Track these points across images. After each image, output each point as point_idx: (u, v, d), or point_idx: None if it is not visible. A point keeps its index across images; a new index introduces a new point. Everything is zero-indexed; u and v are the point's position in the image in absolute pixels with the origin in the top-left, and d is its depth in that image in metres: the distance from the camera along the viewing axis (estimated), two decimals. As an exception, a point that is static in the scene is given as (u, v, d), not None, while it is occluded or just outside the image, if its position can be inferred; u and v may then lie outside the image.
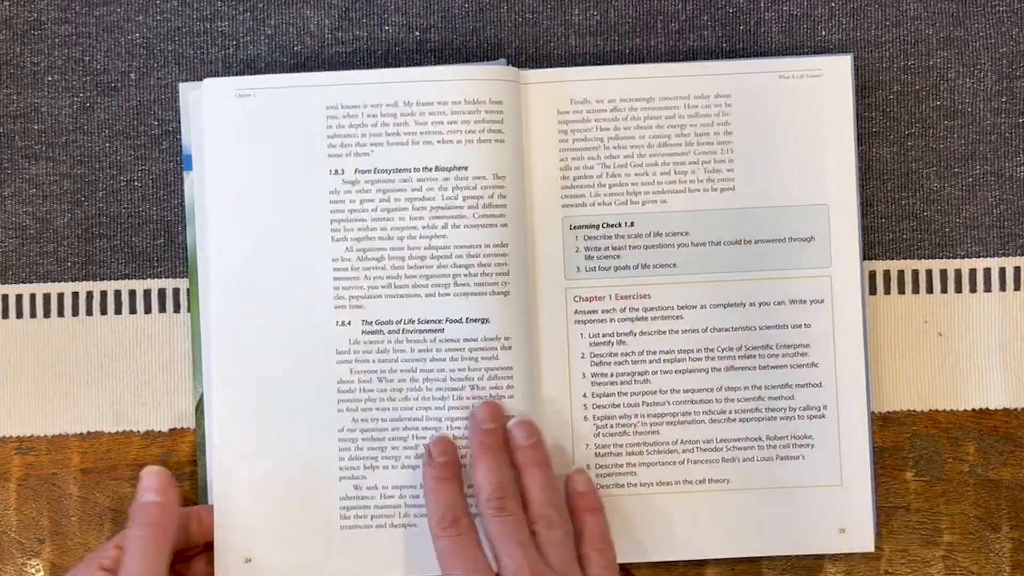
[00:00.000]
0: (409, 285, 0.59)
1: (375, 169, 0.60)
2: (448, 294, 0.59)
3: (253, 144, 0.60)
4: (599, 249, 0.61)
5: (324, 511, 0.59)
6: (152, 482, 0.56)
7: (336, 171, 0.60)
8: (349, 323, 0.60)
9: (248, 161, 0.60)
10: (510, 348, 0.59)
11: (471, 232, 0.59)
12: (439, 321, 0.59)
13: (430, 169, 0.59)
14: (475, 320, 0.59)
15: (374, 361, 0.59)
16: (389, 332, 0.59)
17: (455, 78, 0.59)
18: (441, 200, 0.59)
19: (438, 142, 0.59)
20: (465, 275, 0.59)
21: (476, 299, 0.59)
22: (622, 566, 0.61)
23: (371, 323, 0.59)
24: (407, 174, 0.59)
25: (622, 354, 0.61)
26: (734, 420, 0.60)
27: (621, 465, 0.60)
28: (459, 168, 0.59)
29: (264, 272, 0.60)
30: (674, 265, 0.60)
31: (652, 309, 0.61)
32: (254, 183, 0.60)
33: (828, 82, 0.60)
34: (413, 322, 0.59)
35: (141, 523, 0.55)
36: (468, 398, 0.59)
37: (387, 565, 0.59)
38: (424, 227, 0.59)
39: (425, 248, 0.59)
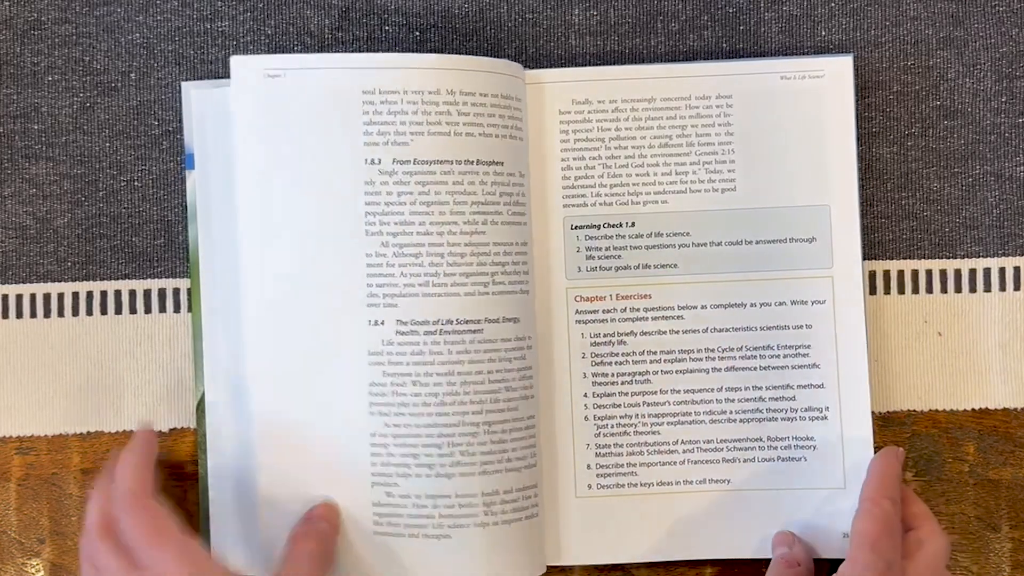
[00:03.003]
0: (448, 283, 0.57)
1: (414, 160, 0.57)
2: (487, 292, 0.57)
3: (282, 128, 0.57)
4: (600, 249, 0.61)
5: (358, 516, 0.58)
6: (325, 513, 0.57)
7: (372, 160, 0.57)
8: (383, 322, 0.57)
9: (276, 146, 0.57)
10: (532, 347, 0.59)
11: (507, 229, 0.58)
12: (478, 321, 0.57)
13: (472, 162, 0.57)
14: (509, 319, 0.58)
15: (408, 363, 0.57)
16: (425, 333, 0.57)
17: (495, 71, 0.58)
18: (481, 195, 0.57)
19: (479, 134, 0.57)
20: (502, 273, 0.57)
21: (509, 298, 0.58)
22: (623, 566, 0.61)
23: (406, 323, 0.57)
24: (449, 166, 0.57)
25: (623, 354, 0.61)
26: (735, 421, 0.60)
27: (621, 465, 0.60)
28: (496, 163, 0.57)
29: (292, 267, 0.58)
30: (675, 265, 0.60)
31: (653, 309, 0.61)
32: (281, 170, 0.57)
33: (829, 83, 0.60)
34: (451, 322, 0.57)
35: (317, 535, 0.56)
36: (503, 400, 0.57)
37: (421, 574, 0.57)
38: (465, 222, 0.57)
39: (465, 244, 0.57)
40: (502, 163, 0.58)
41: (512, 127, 0.58)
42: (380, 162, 0.57)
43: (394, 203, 0.57)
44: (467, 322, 0.57)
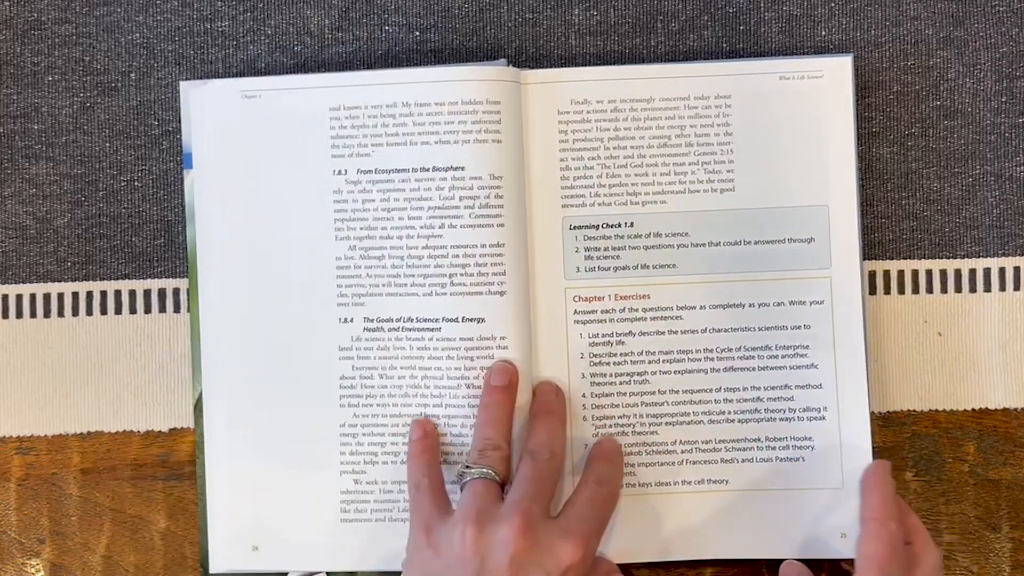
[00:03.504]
0: (408, 284, 0.60)
1: (376, 169, 0.60)
2: (445, 293, 0.59)
3: (258, 145, 0.61)
4: (599, 249, 0.61)
5: (325, 504, 0.60)
6: (612, 450, 0.59)
7: (339, 171, 0.60)
8: (351, 320, 0.60)
9: (253, 161, 0.61)
10: (506, 348, 0.59)
11: (467, 232, 0.59)
12: (436, 320, 0.59)
13: (427, 169, 0.59)
14: (471, 320, 0.59)
15: (375, 358, 0.60)
16: (389, 330, 0.60)
17: (452, 79, 0.59)
18: (438, 200, 0.59)
19: (435, 142, 0.59)
20: (461, 275, 0.59)
21: (472, 299, 0.59)
22: (622, 566, 0.61)
23: (372, 320, 0.60)
24: (406, 174, 0.60)
25: (621, 354, 0.60)
26: (733, 421, 0.60)
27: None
28: (456, 168, 0.59)
29: (269, 270, 0.61)
30: (674, 266, 0.60)
31: (651, 309, 0.61)
32: (259, 183, 0.61)
33: (829, 83, 0.60)
34: (412, 320, 0.60)
35: (609, 471, 0.58)
36: (463, 396, 0.59)
37: (386, 557, 0.60)
38: (422, 227, 0.59)
39: (423, 248, 0.59)
40: (462, 168, 0.59)
41: (479, 131, 0.59)
42: (346, 172, 0.61)
43: (359, 210, 0.60)
44: (425, 320, 0.60)
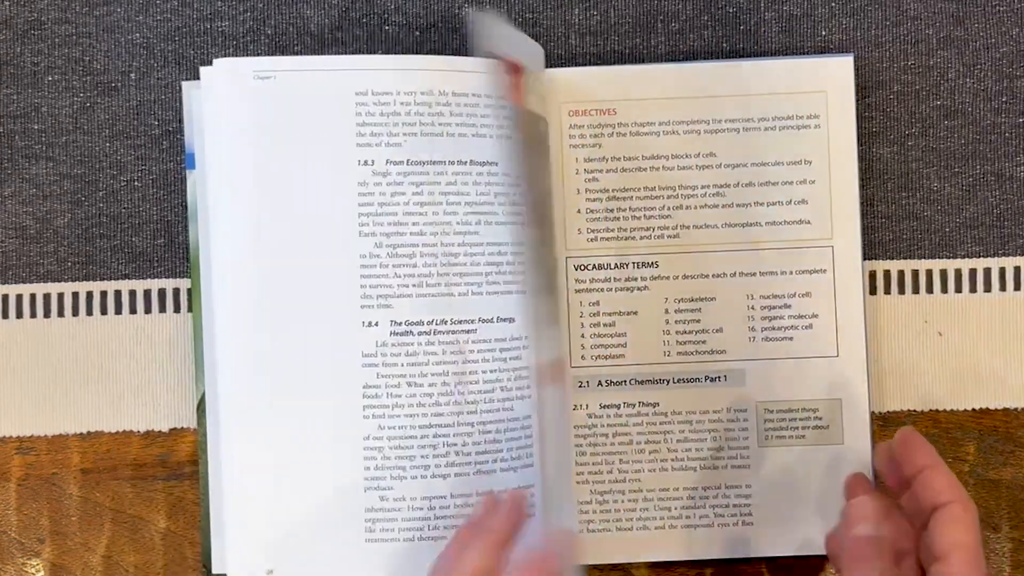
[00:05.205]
0: (442, 284, 0.57)
1: (408, 161, 0.57)
2: (481, 292, 0.57)
3: (272, 131, 0.57)
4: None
5: (348, 523, 0.57)
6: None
7: (365, 162, 0.57)
8: (376, 323, 0.57)
9: (266, 149, 0.57)
10: (528, 347, 0.58)
11: (501, 229, 0.57)
12: (472, 321, 0.57)
13: (465, 163, 0.57)
14: (504, 319, 0.57)
15: (403, 364, 0.57)
16: (419, 333, 0.57)
17: (489, 71, 0.57)
18: (475, 195, 0.57)
19: (472, 135, 0.57)
20: (496, 273, 0.57)
21: (504, 298, 0.57)
22: (621, 566, 0.61)
23: (400, 324, 0.57)
24: (442, 167, 0.57)
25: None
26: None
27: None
28: (491, 163, 0.57)
29: (284, 269, 0.57)
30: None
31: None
32: (273, 173, 0.57)
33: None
34: (446, 322, 0.57)
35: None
36: (498, 400, 0.57)
37: None
38: (458, 223, 0.57)
39: (459, 245, 0.57)
40: (496, 164, 0.57)
41: (509, 127, 0.58)
42: (373, 163, 0.57)
43: (387, 204, 0.57)
44: (461, 322, 0.57)
